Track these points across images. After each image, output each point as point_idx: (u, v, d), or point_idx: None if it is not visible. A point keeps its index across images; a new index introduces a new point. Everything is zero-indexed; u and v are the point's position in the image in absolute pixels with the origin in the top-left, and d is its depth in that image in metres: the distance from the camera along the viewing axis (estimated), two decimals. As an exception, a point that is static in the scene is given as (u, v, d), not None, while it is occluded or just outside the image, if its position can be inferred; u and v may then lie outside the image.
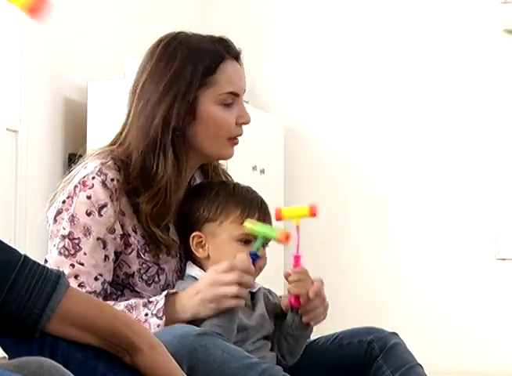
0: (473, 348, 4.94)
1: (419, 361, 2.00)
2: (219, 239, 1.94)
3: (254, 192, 2.01)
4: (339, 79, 5.40)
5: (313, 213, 1.88)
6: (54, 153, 4.30)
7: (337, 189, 5.35)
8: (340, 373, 1.95)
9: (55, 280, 1.35)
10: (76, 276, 1.85)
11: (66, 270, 1.85)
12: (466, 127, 5.12)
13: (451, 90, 5.16)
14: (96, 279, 1.87)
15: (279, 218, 1.90)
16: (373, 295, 5.17)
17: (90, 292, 1.85)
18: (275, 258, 5.18)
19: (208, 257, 1.95)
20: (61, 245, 1.87)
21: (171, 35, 2.00)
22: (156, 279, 1.96)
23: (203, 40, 1.99)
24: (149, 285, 1.95)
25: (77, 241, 1.87)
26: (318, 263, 5.62)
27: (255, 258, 1.87)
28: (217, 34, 2.05)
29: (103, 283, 1.89)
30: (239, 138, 2.03)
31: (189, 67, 1.94)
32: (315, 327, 2.02)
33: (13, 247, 1.36)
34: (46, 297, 1.33)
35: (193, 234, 1.95)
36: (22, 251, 1.37)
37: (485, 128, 5.08)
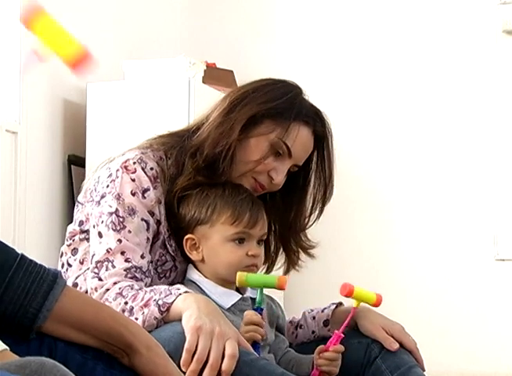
0: (472, 348, 4.93)
1: (418, 362, 2.01)
2: (212, 241, 1.93)
3: (246, 191, 1.99)
4: (340, 81, 5.39)
5: (378, 303, 1.94)
6: (53, 154, 4.29)
7: (338, 190, 5.32)
8: (339, 373, 1.95)
9: (52, 279, 1.34)
10: (122, 253, 1.86)
11: (113, 245, 1.87)
12: (466, 128, 5.12)
13: (450, 91, 5.16)
14: (142, 257, 1.88)
15: (348, 295, 1.92)
16: (373, 296, 5.17)
17: (136, 267, 1.85)
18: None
19: (203, 260, 1.94)
20: (109, 221, 1.89)
21: None
22: (168, 274, 1.98)
23: (309, 103, 2.13)
24: (160, 278, 1.96)
25: (121, 219, 1.89)
26: (319, 264, 5.62)
27: (261, 311, 1.84)
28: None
29: (149, 263, 1.90)
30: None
31: (280, 101, 2.01)
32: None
33: (10, 246, 1.36)
34: (42, 296, 1.32)
35: (186, 237, 1.95)
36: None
37: (485, 129, 5.07)
